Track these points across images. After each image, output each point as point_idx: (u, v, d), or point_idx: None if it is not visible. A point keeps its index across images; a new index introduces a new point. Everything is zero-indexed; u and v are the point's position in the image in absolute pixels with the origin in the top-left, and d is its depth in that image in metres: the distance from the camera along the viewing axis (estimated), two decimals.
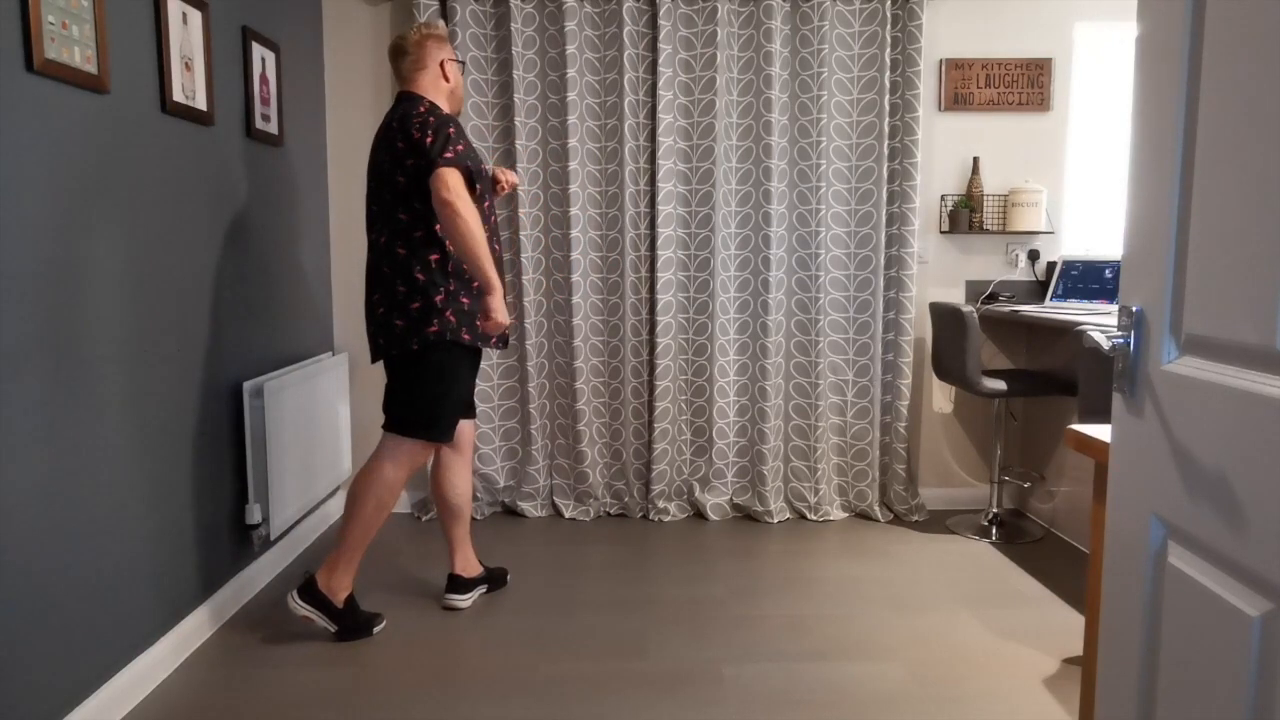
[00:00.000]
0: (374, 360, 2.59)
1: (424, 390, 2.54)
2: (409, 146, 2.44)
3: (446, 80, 2.63)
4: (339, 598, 2.56)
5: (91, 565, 2.05)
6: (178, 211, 2.43)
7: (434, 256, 2.50)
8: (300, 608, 2.51)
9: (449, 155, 2.42)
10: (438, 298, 2.49)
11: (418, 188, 2.47)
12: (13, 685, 1.79)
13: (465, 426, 2.77)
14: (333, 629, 2.55)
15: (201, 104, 2.54)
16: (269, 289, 3.06)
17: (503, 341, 2.71)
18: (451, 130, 2.46)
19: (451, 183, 2.39)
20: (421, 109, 2.49)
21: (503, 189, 2.78)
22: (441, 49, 2.63)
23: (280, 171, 3.16)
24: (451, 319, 2.52)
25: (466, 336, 2.54)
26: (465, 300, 2.54)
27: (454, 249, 2.46)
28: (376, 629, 2.62)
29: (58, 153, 1.92)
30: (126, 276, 2.18)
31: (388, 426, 2.58)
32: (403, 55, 2.60)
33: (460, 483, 2.78)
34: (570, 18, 3.48)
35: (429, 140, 2.42)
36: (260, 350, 2.98)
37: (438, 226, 2.49)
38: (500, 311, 2.49)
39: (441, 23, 2.68)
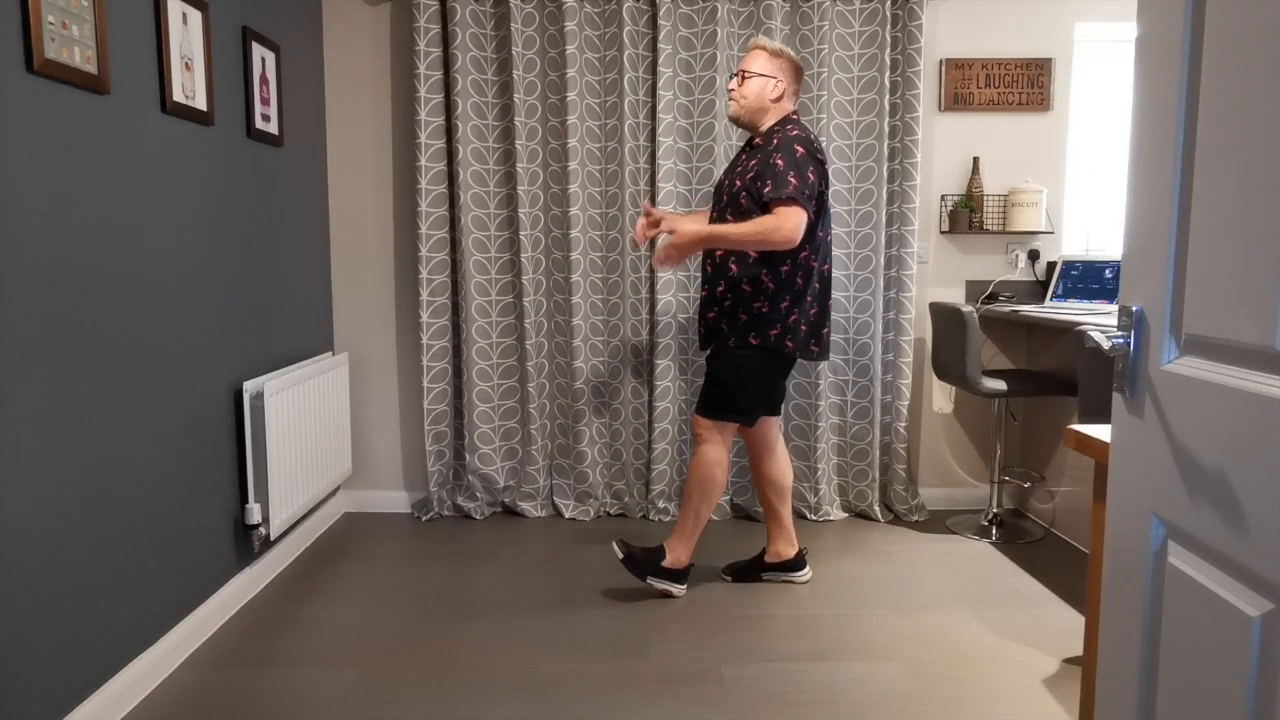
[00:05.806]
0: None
1: None
2: None
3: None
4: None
5: (91, 565, 2.05)
6: (178, 212, 2.43)
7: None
8: (777, 578, 3.04)
9: None
10: None
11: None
12: (13, 685, 1.79)
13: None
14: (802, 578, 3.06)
15: (201, 104, 2.54)
16: (269, 289, 3.06)
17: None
18: None
19: None
20: None
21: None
22: None
23: (280, 171, 3.16)
24: None
25: None
26: None
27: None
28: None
29: (58, 153, 1.92)
30: (126, 276, 2.18)
31: None
32: None
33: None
34: (570, 18, 3.48)
35: None
36: (260, 350, 2.98)
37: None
38: None
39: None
